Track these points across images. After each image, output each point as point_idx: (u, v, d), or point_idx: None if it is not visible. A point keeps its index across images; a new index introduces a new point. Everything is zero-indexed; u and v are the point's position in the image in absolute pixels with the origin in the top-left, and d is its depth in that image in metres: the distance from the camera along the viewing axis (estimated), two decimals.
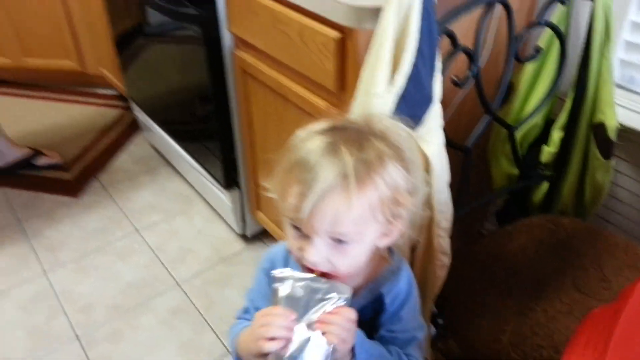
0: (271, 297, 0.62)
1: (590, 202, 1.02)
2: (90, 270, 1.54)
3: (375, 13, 0.81)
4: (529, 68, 1.03)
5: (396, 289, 0.69)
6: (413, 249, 0.83)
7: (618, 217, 1.15)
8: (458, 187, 0.89)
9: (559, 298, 0.82)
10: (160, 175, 1.91)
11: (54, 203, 1.77)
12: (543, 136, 1.06)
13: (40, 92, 2.35)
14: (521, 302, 0.83)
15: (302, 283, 0.60)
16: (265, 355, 0.60)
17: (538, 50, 0.91)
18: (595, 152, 0.96)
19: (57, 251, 1.60)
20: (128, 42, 1.75)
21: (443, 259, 0.81)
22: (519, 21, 1.06)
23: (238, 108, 1.35)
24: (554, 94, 0.97)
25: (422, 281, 0.82)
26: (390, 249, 0.71)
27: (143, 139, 2.08)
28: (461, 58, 0.85)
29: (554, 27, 0.91)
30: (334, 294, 0.60)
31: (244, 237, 1.63)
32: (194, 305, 1.43)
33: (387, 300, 0.69)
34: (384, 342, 0.69)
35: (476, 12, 0.83)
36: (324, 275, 0.61)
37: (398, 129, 0.63)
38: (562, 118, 1.00)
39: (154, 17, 1.50)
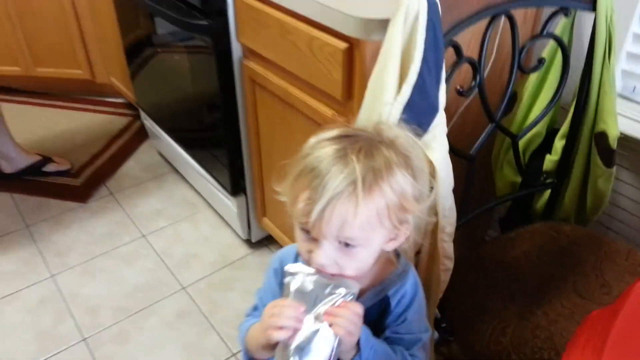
0: (282, 292, 0.64)
1: (591, 209, 1.04)
2: (97, 273, 1.56)
3: (382, 25, 0.83)
4: (533, 78, 1.05)
5: (402, 291, 0.71)
6: (417, 253, 0.85)
7: (620, 225, 1.16)
8: (462, 194, 0.91)
9: (560, 302, 0.83)
10: (167, 182, 1.93)
11: (62, 208, 1.80)
12: (546, 145, 1.09)
13: (50, 101, 2.39)
14: (522, 306, 0.84)
15: (312, 278, 0.63)
16: (274, 346, 0.62)
17: (541, 61, 0.93)
18: (597, 160, 0.98)
19: (64, 255, 1.62)
20: (138, 51, 1.78)
21: (447, 263, 0.83)
22: (524, 33, 1.09)
23: (246, 116, 1.38)
24: (556, 104, 0.99)
25: (426, 285, 0.83)
26: (397, 253, 0.73)
27: (150, 147, 2.11)
28: (466, 68, 0.87)
29: (557, 39, 0.93)
30: (342, 289, 0.62)
31: (249, 243, 1.65)
32: (198, 308, 1.45)
33: (393, 302, 0.70)
34: (389, 342, 0.70)
35: (481, 24, 0.85)
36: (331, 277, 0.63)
37: (407, 138, 0.66)
38: (564, 127, 1.02)
39: (164, 27, 1.53)
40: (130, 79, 1.93)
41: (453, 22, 0.79)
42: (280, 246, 1.49)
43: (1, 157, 1.86)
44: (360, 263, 0.64)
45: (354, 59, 0.94)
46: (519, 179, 1.09)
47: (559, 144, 1.03)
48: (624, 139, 1.07)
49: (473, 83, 0.86)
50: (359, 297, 0.65)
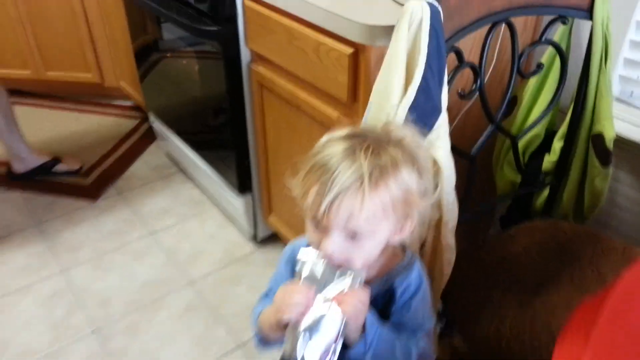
0: (293, 277, 0.68)
1: (589, 207, 1.08)
2: (107, 269, 1.60)
3: (386, 31, 0.88)
4: (532, 83, 1.09)
5: (407, 281, 0.74)
6: (421, 247, 0.89)
7: (617, 223, 1.20)
8: (463, 192, 0.95)
9: (558, 294, 0.87)
10: (174, 182, 1.98)
11: (72, 207, 1.85)
12: (544, 146, 1.13)
13: (60, 103, 2.44)
14: (521, 297, 0.88)
15: (321, 264, 0.67)
16: (285, 327, 0.66)
17: (539, 66, 0.97)
18: (594, 160, 1.02)
19: (75, 251, 1.66)
20: (147, 55, 1.83)
21: (449, 256, 0.87)
22: (524, 39, 1.13)
23: (253, 118, 1.42)
24: (554, 106, 1.03)
25: (430, 276, 0.87)
26: (403, 246, 0.77)
27: (158, 148, 2.16)
28: (467, 73, 0.92)
29: (554, 45, 0.97)
30: (350, 274, 0.66)
31: (255, 241, 1.69)
32: (206, 302, 1.49)
33: (398, 291, 0.74)
34: (394, 329, 0.74)
35: (482, 31, 0.89)
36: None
37: (413, 137, 0.70)
38: (562, 129, 1.06)
39: (174, 32, 1.58)
40: (139, 82, 1.98)
41: (455, 29, 0.83)
42: (286, 244, 1.53)
43: (13, 157, 1.91)
44: (366, 254, 0.68)
45: (359, 63, 0.98)
46: (518, 179, 1.13)
47: (557, 144, 1.07)
48: (622, 141, 1.11)
49: (474, 86, 0.90)
50: (366, 286, 0.69)
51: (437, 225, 0.85)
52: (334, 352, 0.65)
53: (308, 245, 0.72)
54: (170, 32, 1.63)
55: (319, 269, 0.68)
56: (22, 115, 1.89)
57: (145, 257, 1.64)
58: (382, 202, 0.63)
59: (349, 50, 0.97)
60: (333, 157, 0.64)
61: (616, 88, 1.15)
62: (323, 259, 0.68)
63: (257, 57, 1.30)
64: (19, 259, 1.63)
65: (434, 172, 0.79)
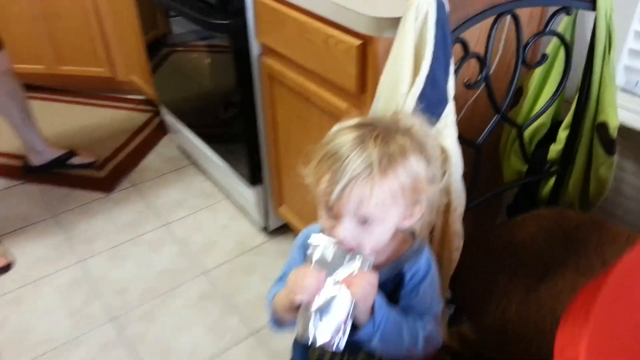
0: (305, 262, 0.71)
1: (594, 196, 1.10)
2: (123, 259, 1.64)
3: (393, 23, 0.90)
4: (537, 73, 1.11)
5: (416, 266, 0.77)
6: (430, 234, 0.91)
7: (623, 212, 1.22)
8: (470, 180, 0.97)
9: (563, 280, 0.89)
10: (187, 175, 2.02)
11: (88, 199, 1.89)
12: (550, 135, 1.14)
13: (73, 97, 2.49)
14: (527, 283, 0.91)
15: (332, 249, 0.70)
16: (297, 308, 0.69)
17: (544, 56, 0.99)
18: (598, 149, 1.03)
19: (91, 242, 1.71)
20: (158, 49, 1.87)
21: (457, 242, 0.90)
22: (530, 30, 1.15)
23: (263, 110, 1.45)
24: (559, 96, 1.05)
25: (439, 262, 0.90)
26: (412, 233, 0.80)
27: (170, 141, 2.20)
28: (474, 64, 0.94)
29: (558, 36, 0.99)
30: (358, 258, 0.69)
31: (266, 231, 1.73)
32: (220, 291, 1.53)
33: (407, 276, 0.77)
34: (402, 312, 0.77)
35: (488, 22, 0.91)
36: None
37: (421, 126, 0.72)
38: (568, 118, 1.08)
39: (184, 26, 1.61)
40: (151, 75, 2.01)
41: (460, 20, 0.85)
42: (296, 234, 1.57)
43: (29, 151, 1.96)
44: (377, 238, 0.71)
45: (367, 54, 1.00)
46: (525, 168, 1.15)
47: (562, 134, 1.09)
48: (627, 131, 1.12)
49: (480, 77, 0.92)
50: (377, 271, 0.72)
51: (446, 211, 0.88)
52: (344, 332, 0.68)
53: (321, 231, 0.75)
54: (180, 27, 1.66)
55: (330, 254, 0.71)
56: (37, 110, 1.93)
57: (160, 248, 1.68)
58: (391, 188, 0.66)
59: (357, 42, 0.99)
60: (343, 146, 0.67)
61: (621, 78, 1.17)
62: (333, 244, 0.70)
63: (266, 50, 1.32)
64: (37, 250, 1.68)
65: (442, 159, 0.81)
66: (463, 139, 0.92)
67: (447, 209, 0.87)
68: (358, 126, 0.70)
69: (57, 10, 2.22)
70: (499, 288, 0.91)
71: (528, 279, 0.92)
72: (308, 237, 0.80)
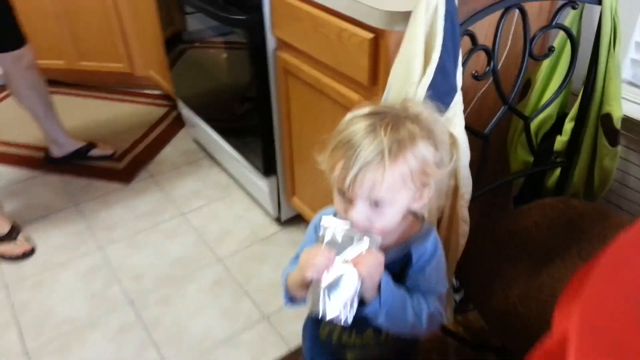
0: (318, 241, 0.76)
1: (598, 186, 1.13)
2: (141, 246, 1.70)
3: (404, 17, 0.94)
4: (545, 66, 1.14)
5: (423, 248, 0.81)
6: (438, 220, 0.95)
7: (629, 204, 1.24)
8: (477, 169, 1.01)
9: (565, 265, 0.92)
10: (203, 167, 2.07)
11: (107, 189, 1.96)
12: (556, 128, 1.17)
13: (93, 92, 2.57)
14: (530, 268, 0.94)
15: (342, 230, 0.74)
16: (308, 285, 0.73)
17: (551, 49, 1.02)
18: (603, 140, 1.06)
19: (110, 230, 1.77)
20: (177, 45, 1.92)
21: (464, 227, 0.94)
22: (539, 23, 1.18)
23: (278, 103, 1.50)
24: (565, 88, 1.08)
25: (446, 246, 0.94)
26: (421, 218, 0.84)
27: (186, 134, 2.26)
28: (483, 56, 0.97)
29: (564, 29, 1.02)
30: (367, 239, 0.73)
31: (279, 222, 1.77)
32: (233, 277, 1.58)
33: (415, 257, 0.80)
34: (408, 291, 0.81)
35: (496, 15, 0.95)
36: None
37: (430, 112, 0.76)
38: (573, 110, 1.11)
39: (202, 21, 1.66)
40: (169, 70, 2.07)
41: (469, 13, 0.89)
42: (308, 224, 1.61)
43: (51, 142, 2.03)
44: (387, 220, 0.75)
45: (379, 47, 1.04)
46: (531, 159, 1.18)
47: (568, 125, 1.12)
48: (634, 123, 1.15)
49: (487, 68, 0.96)
50: (385, 251, 0.76)
51: (453, 198, 0.92)
52: (352, 307, 0.72)
53: (334, 214, 0.79)
54: (197, 23, 1.71)
55: (340, 235, 0.75)
56: (57, 104, 2.00)
57: (176, 236, 1.74)
58: (401, 173, 0.70)
59: (369, 35, 1.03)
60: (356, 134, 0.71)
61: (628, 72, 1.19)
62: (343, 226, 0.75)
63: (282, 44, 1.37)
64: (59, 237, 1.74)
65: (450, 145, 0.85)
66: (471, 130, 0.96)
67: (454, 195, 0.91)
68: (370, 114, 0.74)
69: (78, 7, 2.29)
70: (503, 273, 0.95)
71: (531, 265, 0.95)
72: (322, 218, 0.84)
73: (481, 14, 0.90)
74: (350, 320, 0.72)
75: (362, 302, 0.75)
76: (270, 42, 1.39)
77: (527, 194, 1.25)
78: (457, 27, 0.85)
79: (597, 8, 1.01)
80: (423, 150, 0.71)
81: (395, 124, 0.71)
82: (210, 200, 1.89)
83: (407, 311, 0.78)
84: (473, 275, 1.01)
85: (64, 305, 1.51)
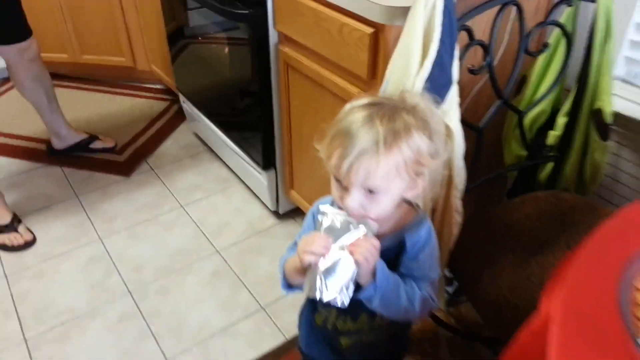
0: (316, 228, 0.78)
1: (589, 180, 1.15)
2: (141, 237, 1.72)
3: (404, 12, 0.96)
4: (540, 62, 1.17)
5: (417, 236, 0.83)
6: (433, 211, 0.98)
7: (620, 199, 1.27)
8: (472, 162, 1.03)
9: (553, 255, 0.95)
10: (203, 160, 2.10)
11: (108, 181, 1.98)
12: (550, 123, 1.20)
13: (95, 86, 2.59)
14: (520, 257, 0.96)
15: (340, 218, 0.76)
16: (305, 270, 0.75)
17: (545, 45, 1.05)
18: (594, 134, 1.09)
19: (111, 221, 1.79)
20: (180, 39, 1.94)
21: (457, 217, 0.96)
22: (536, 20, 1.20)
23: (279, 97, 1.52)
24: (559, 84, 1.10)
25: (440, 236, 0.96)
26: (416, 207, 0.86)
27: (187, 128, 2.28)
28: (480, 51, 0.99)
29: (559, 25, 1.04)
30: (363, 227, 0.75)
31: (277, 215, 1.80)
32: (231, 269, 1.61)
33: (409, 244, 0.83)
34: (402, 277, 0.83)
35: (494, 12, 0.97)
36: None
37: (426, 104, 0.78)
38: (566, 106, 1.14)
39: (206, 16, 1.69)
40: (171, 65, 2.09)
41: (466, 9, 0.91)
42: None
43: (53, 134, 2.05)
44: (382, 207, 0.77)
45: (379, 42, 1.07)
46: (525, 153, 1.21)
47: (561, 120, 1.15)
48: (627, 120, 1.17)
49: (484, 63, 0.98)
50: (380, 239, 0.78)
51: (448, 188, 0.94)
52: (347, 292, 0.74)
53: (332, 202, 0.81)
54: (200, 18, 1.74)
55: (337, 222, 0.77)
56: (60, 96, 2.01)
57: (176, 228, 1.76)
58: (395, 162, 0.72)
59: (369, 30, 1.06)
60: (354, 123, 0.73)
61: (622, 69, 1.22)
62: (340, 213, 0.77)
63: (284, 39, 1.39)
64: (59, 228, 1.76)
65: (446, 136, 0.87)
66: (467, 123, 0.98)
67: (448, 185, 0.93)
68: (368, 105, 0.76)
69: (81, 1, 2.31)
70: (494, 263, 0.97)
71: (522, 255, 0.97)
72: (320, 206, 0.87)
73: (478, 9, 0.92)
74: (346, 303, 0.75)
75: (357, 287, 0.77)
76: (273, 37, 1.41)
77: (520, 188, 1.27)
78: (454, 22, 0.88)
79: (592, 6, 1.04)
80: (418, 141, 0.73)
81: (392, 114, 0.73)
82: (209, 193, 1.92)
83: (400, 296, 0.81)
84: (466, 265, 1.04)
85: (64, 295, 1.52)
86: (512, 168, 1.21)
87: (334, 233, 0.76)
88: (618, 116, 1.17)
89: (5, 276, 1.58)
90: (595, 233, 0.65)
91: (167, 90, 2.50)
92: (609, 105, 1.07)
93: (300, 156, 1.55)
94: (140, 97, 2.51)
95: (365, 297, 0.79)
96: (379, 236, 0.77)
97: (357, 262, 0.74)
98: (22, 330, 1.42)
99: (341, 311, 0.89)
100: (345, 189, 0.75)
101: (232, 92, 1.72)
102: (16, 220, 1.72)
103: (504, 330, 0.93)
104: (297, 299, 0.98)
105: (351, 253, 0.74)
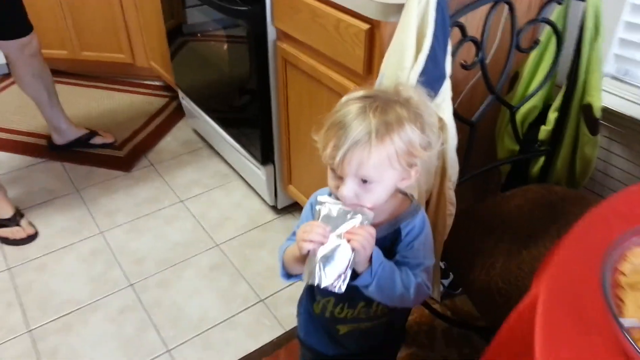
0: (314, 217, 0.81)
1: (580, 174, 1.19)
2: (141, 231, 1.75)
3: (398, 8, 0.99)
4: (531, 59, 1.20)
5: (411, 224, 0.86)
6: (427, 202, 1.01)
7: (611, 193, 1.30)
8: (465, 155, 1.06)
9: (544, 244, 0.98)
10: (202, 156, 2.12)
11: (108, 176, 2.00)
12: (541, 118, 1.23)
13: (94, 82, 2.61)
14: (512, 247, 0.99)
15: (337, 207, 0.79)
16: (304, 259, 0.78)
17: (536, 42, 1.08)
18: (584, 129, 1.12)
19: (112, 216, 1.82)
20: (179, 36, 1.97)
21: (450, 208, 0.99)
22: (528, 18, 1.23)
23: (277, 93, 1.55)
24: (550, 80, 1.13)
25: (434, 226, 0.99)
26: (411, 198, 0.89)
27: (186, 125, 2.31)
28: (473, 47, 1.02)
29: (550, 23, 1.07)
30: (359, 215, 0.78)
31: (275, 209, 1.83)
32: (231, 262, 1.64)
33: (403, 232, 0.86)
34: (398, 264, 0.86)
35: (486, 9, 1.00)
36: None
37: (420, 97, 0.81)
38: (557, 101, 1.17)
39: (205, 13, 1.71)
40: (171, 62, 2.12)
41: (459, 5, 0.94)
42: None
43: (54, 130, 2.07)
44: (375, 196, 0.80)
45: (374, 38, 1.10)
46: (517, 148, 1.24)
47: (552, 115, 1.18)
48: (617, 116, 1.21)
49: (476, 59, 1.01)
50: (377, 228, 0.81)
51: (441, 180, 0.97)
52: (345, 277, 0.77)
53: (330, 193, 0.84)
54: (199, 15, 1.76)
55: (334, 211, 0.80)
56: (60, 93, 2.03)
57: (176, 222, 1.79)
58: (387, 153, 0.75)
59: (365, 26, 1.09)
60: (348, 115, 0.76)
61: (612, 66, 1.25)
62: (338, 203, 0.80)
63: (282, 35, 1.42)
64: (61, 222, 1.79)
65: (439, 129, 0.90)
66: (460, 117, 1.01)
67: (442, 177, 0.96)
68: (363, 98, 0.79)
69: None
70: (485, 251, 1.00)
71: (512, 244, 1.01)
72: (318, 197, 0.89)
73: (470, 7, 0.95)
74: (343, 288, 0.77)
75: (354, 274, 0.80)
76: (271, 33, 1.44)
77: (513, 182, 1.30)
78: (447, 19, 0.91)
79: (582, 4, 1.07)
80: (409, 132, 0.76)
81: (385, 107, 0.76)
82: (209, 189, 1.94)
83: (396, 282, 0.84)
84: (460, 256, 1.07)
85: (66, 287, 1.55)
86: (504, 161, 1.24)
87: (332, 222, 0.79)
88: (609, 112, 1.20)
89: (9, 269, 1.61)
90: (581, 220, 0.68)
91: (166, 87, 2.52)
92: (598, 101, 1.10)
93: (298, 151, 1.58)
94: (140, 93, 2.53)
95: (362, 284, 0.82)
96: (375, 225, 0.80)
97: (354, 250, 0.77)
98: (26, 321, 1.45)
99: (339, 299, 0.92)
100: (340, 178, 0.78)
101: (230, 88, 1.75)
102: (18, 214, 1.75)
103: (497, 317, 0.96)
104: (295, 292, 1.01)
105: (348, 241, 0.77)
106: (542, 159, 1.23)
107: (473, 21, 1.08)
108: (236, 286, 1.56)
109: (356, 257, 0.77)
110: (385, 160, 0.75)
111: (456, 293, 1.45)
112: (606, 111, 1.19)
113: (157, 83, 2.59)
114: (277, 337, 1.41)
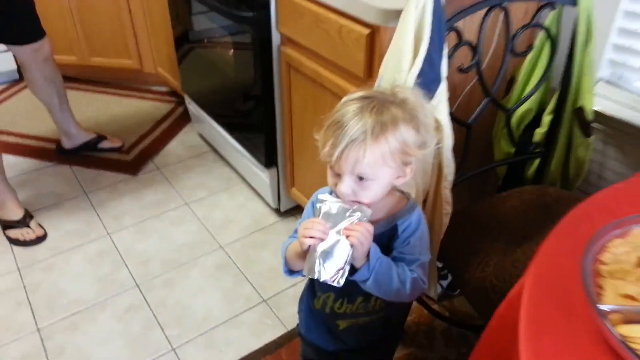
0: (315, 214, 0.84)
1: (574, 175, 1.21)
2: (147, 233, 1.79)
3: (398, 14, 1.02)
4: (527, 63, 1.23)
5: (408, 222, 0.89)
6: (424, 201, 1.04)
7: None
8: (462, 156, 1.09)
9: (537, 244, 0.99)
10: (207, 160, 2.17)
11: (115, 179, 2.05)
12: (536, 121, 1.26)
13: (102, 88, 2.67)
14: (506, 246, 1.02)
15: (336, 204, 0.82)
16: (305, 254, 0.81)
17: (530, 46, 1.11)
18: (577, 131, 1.15)
19: (119, 218, 1.86)
20: (186, 42, 2.02)
21: (447, 208, 1.02)
22: (524, 22, 1.27)
23: (281, 97, 1.59)
24: (545, 84, 1.16)
25: (430, 225, 1.02)
26: (408, 196, 0.92)
27: (192, 130, 2.36)
28: (468, 52, 1.06)
29: (543, 27, 1.11)
30: (358, 212, 0.82)
31: (278, 212, 1.86)
32: (234, 263, 1.67)
33: (400, 229, 0.89)
34: (395, 260, 0.89)
35: (482, 14, 1.04)
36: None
37: (416, 98, 0.84)
38: (551, 104, 1.20)
39: (212, 19, 1.76)
40: (178, 67, 2.16)
41: (455, 10, 0.98)
42: None
43: (63, 134, 2.12)
44: (372, 193, 0.83)
45: (375, 42, 1.13)
46: (513, 150, 1.27)
47: (546, 118, 1.21)
48: (611, 120, 1.23)
49: (472, 62, 1.05)
50: (374, 225, 0.84)
51: (438, 180, 1.00)
52: (344, 272, 0.80)
53: (330, 192, 0.88)
54: (206, 22, 1.81)
55: (334, 208, 0.83)
56: (69, 98, 2.08)
57: (181, 224, 1.83)
58: (382, 152, 0.78)
59: (366, 31, 1.12)
60: (346, 114, 0.80)
61: (606, 71, 1.28)
62: (337, 201, 0.83)
63: (286, 40, 1.46)
64: (69, 224, 1.83)
65: (435, 129, 0.93)
66: (457, 119, 1.05)
67: (438, 177, 0.99)
68: (360, 98, 0.82)
69: (90, 4, 2.39)
70: (481, 251, 1.03)
71: (507, 243, 1.03)
72: (319, 196, 0.93)
73: (467, 12, 0.99)
74: (342, 282, 0.80)
75: (353, 269, 0.83)
76: (275, 38, 1.48)
77: (510, 184, 1.33)
78: (443, 23, 0.95)
79: (575, 10, 1.10)
80: (404, 132, 0.79)
81: (381, 107, 0.79)
82: (214, 192, 1.98)
83: (392, 277, 0.86)
84: (456, 254, 1.09)
85: (74, 287, 1.59)
86: (500, 163, 1.27)
87: (332, 219, 0.82)
88: (603, 116, 1.23)
89: (18, 269, 1.65)
90: (568, 214, 0.71)
91: (172, 93, 2.57)
92: (590, 104, 1.13)
93: (301, 155, 1.61)
94: (147, 99, 2.58)
95: (360, 278, 0.85)
96: (373, 222, 0.83)
97: (352, 245, 0.80)
98: (34, 320, 1.48)
99: (338, 294, 0.95)
100: (337, 176, 0.81)
101: (236, 93, 1.79)
102: (28, 216, 1.79)
103: (492, 313, 0.99)
104: (297, 293, 1.03)
105: (347, 237, 0.80)
106: (537, 161, 1.26)
107: (470, 25, 1.12)
108: (239, 287, 1.59)
109: (354, 252, 0.80)
110: (380, 159, 0.78)
111: (455, 294, 1.47)
112: (601, 115, 1.22)
113: (163, 89, 2.65)
114: (279, 337, 1.44)
